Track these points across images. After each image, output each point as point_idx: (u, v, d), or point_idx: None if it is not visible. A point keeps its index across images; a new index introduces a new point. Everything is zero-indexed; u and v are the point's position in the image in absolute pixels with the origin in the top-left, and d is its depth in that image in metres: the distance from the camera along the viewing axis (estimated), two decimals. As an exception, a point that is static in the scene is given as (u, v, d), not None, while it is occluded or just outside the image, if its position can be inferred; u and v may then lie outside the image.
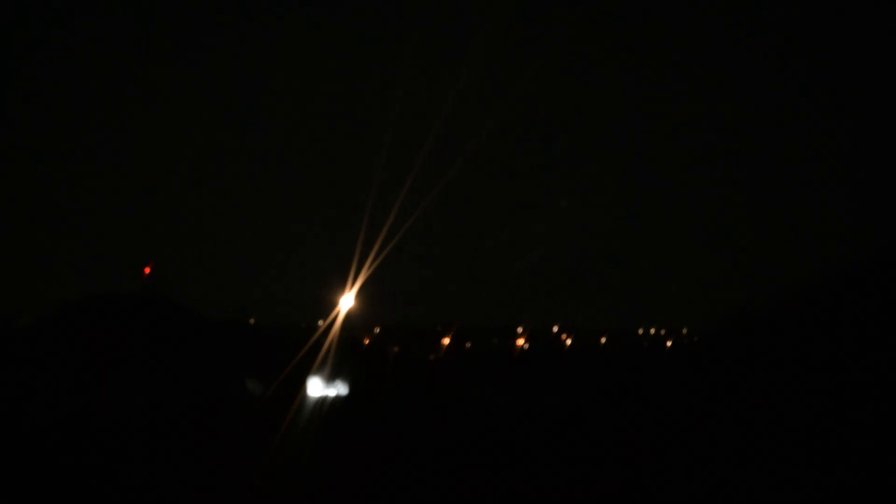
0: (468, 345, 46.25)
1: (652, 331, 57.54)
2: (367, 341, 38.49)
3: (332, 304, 21.66)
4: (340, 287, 21.57)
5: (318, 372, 21.08)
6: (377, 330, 45.03)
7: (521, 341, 46.19)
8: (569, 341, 51.49)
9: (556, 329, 54.67)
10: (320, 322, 23.92)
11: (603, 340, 52.61)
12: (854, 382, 7.51)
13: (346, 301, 21.71)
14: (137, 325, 21.92)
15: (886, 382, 7.24)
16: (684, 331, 47.38)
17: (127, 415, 16.47)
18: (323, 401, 20.46)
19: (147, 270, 24.21)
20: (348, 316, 21.73)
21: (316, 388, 21.24)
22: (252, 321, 37.36)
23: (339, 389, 21.77)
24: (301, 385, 20.08)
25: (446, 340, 44.70)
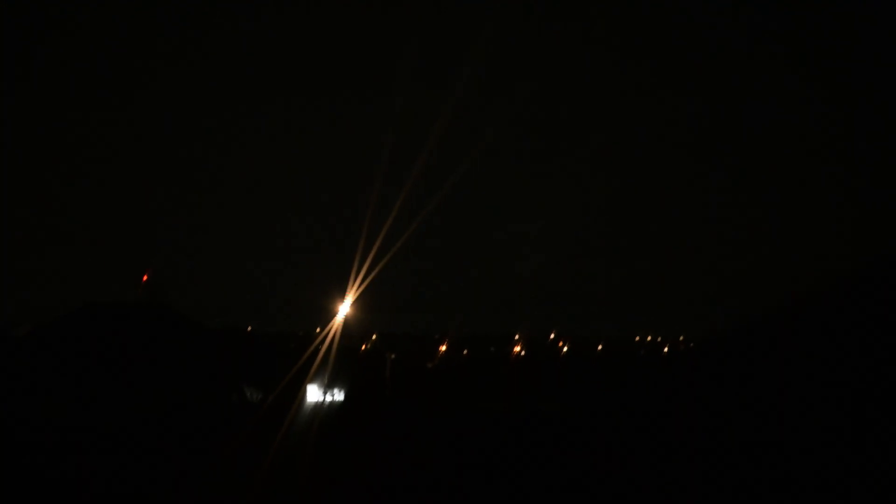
0: (465, 352, 46.24)
1: (649, 338, 57.59)
2: (364, 348, 38.50)
3: (330, 312, 21.72)
4: (338, 295, 21.64)
5: (315, 378, 21.15)
6: (374, 337, 45.05)
7: (517, 349, 46.21)
8: (565, 349, 51.52)
9: (552, 336, 54.72)
10: (318, 329, 23.99)
11: (599, 348, 52.60)
12: (850, 387, 7.53)
13: (344, 309, 21.79)
14: (135, 334, 21.96)
15: (884, 386, 7.24)
16: (681, 338, 47.47)
17: (126, 421, 16.53)
18: (320, 406, 20.52)
19: (145, 278, 24.26)
20: (346, 323, 21.81)
21: (314, 394, 21.30)
22: (250, 329, 37.39)
23: (336, 396, 21.85)
24: (299, 391, 20.14)
25: (443, 348, 44.72)
